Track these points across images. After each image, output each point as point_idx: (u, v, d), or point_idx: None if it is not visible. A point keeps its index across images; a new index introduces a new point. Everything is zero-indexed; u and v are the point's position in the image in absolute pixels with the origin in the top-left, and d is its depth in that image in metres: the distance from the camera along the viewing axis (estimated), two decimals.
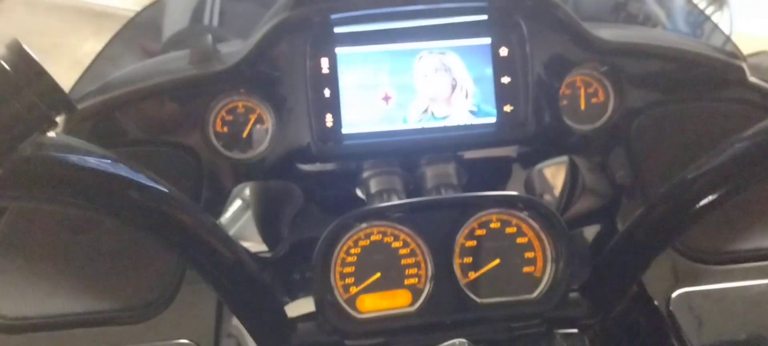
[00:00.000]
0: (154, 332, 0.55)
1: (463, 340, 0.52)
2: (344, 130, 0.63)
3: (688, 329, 0.56)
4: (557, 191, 0.87)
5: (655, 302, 0.58)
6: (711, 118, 0.66)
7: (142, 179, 0.44)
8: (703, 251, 0.60)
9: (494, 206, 0.56)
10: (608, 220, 0.68)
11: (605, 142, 0.67)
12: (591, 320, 0.58)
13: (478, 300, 0.54)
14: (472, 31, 0.64)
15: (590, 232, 0.73)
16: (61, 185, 0.41)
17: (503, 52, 0.64)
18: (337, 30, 0.62)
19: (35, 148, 0.39)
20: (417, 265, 0.54)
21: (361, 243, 0.54)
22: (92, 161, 0.42)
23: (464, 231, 0.55)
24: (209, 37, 0.64)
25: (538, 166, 0.85)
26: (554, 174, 0.88)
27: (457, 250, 0.55)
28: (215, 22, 1.12)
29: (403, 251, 0.54)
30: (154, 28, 0.84)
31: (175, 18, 0.96)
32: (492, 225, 0.56)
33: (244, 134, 0.63)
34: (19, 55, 0.36)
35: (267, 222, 0.82)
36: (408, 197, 0.64)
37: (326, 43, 0.62)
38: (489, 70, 0.64)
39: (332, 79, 0.62)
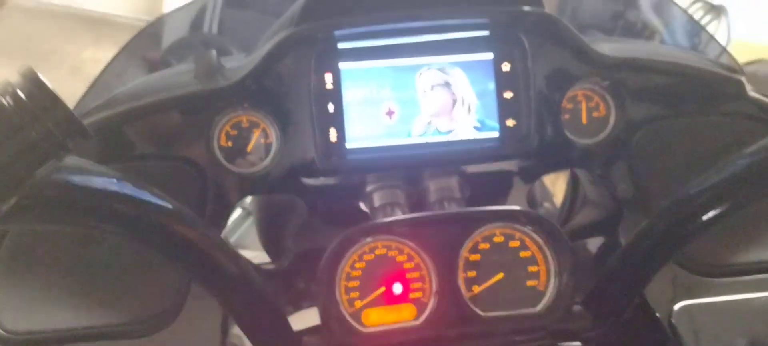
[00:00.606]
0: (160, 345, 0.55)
1: None
2: (348, 145, 0.63)
3: (690, 342, 0.56)
4: (557, 200, 0.88)
5: (657, 315, 0.58)
6: (712, 132, 0.67)
7: (154, 198, 0.45)
8: (705, 264, 0.60)
9: (498, 221, 0.57)
10: (611, 232, 0.68)
11: (607, 156, 0.67)
12: (593, 333, 0.58)
13: (482, 314, 0.55)
14: (475, 47, 0.65)
15: (593, 244, 0.74)
16: (78, 209, 0.41)
17: (505, 67, 0.64)
18: (341, 46, 0.63)
19: (51, 174, 0.40)
20: (421, 279, 0.55)
21: (366, 257, 0.55)
22: (106, 184, 0.43)
23: (468, 245, 0.56)
24: (214, 51, 0.64)
25: (541, 178, 0.86)
26: (554, 183, 0.89)
27: (460, 264, 0.55)
28: (214, 30, 1.13)
29: (407, 265, 0.55)
30: (158, 39, 0.85)
31: (175, 27, 0.96)
32: (495, 239, 0.57)
33: (249, 149, 0.64)
34: (34, 83, 0.37)
35: (270, 233, 0.82)
36: (411, 211, 0.65)
37: (330, 58, 0.63)
38: (491, 85, 0.65)
39: (336, 95, 0.63)
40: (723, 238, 0.61)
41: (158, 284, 0.57)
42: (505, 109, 0.65)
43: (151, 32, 0.72)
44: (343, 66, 0.63)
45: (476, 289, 0.55)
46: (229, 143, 0.64)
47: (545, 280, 0.56)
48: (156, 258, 0.57)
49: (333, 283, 0.54)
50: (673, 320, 0.57)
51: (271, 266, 0.80)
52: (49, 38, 3.53)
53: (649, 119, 0.67)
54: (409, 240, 0.55)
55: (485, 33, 0.65)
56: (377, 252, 0.55)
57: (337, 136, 0.63)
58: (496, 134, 0.65)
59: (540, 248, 0.56)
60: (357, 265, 0.54)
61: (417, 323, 0.54)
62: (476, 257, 0.56)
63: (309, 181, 0.65)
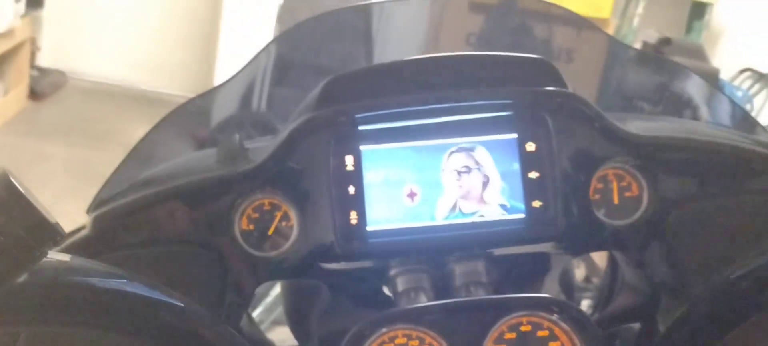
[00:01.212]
0: None
1: None
2: (369, 228, 0.62)
3: None
4: (594, 285, 0.84)
5: None
6: (752, 211, 0.63)
7: (147, 292, 0.44)
8: None
9: (524, 309, 0.55)
10: (648, 319, 0.64)
11: (641, 238, 0.64)
12: None
13: None
14: (498, 127, 0.64)
15: (631, 331, 0.70)
16: (61, 311, 0.41)
17: (530, 147, 0.63)
18: (362, 128, 0.63)
19: (29, 276, 0.39)
20: None
21: None
22: (93, 283, 0.42)
23: (493, 335, 0.54)
24: (237, 135, 0.65)
25: (574, 261, 0.83)
26: (592, 268, 0.86)
27: None
28: (263, 107, 1.15)
29: None
30: (201, 116, 0.85)
31: (224, 104, 0.99)
32: (522, 328, 0.54)
33: (270, 232, 0.63)
34: (5, 188, 0.36)
35: (297, 316, 0.81)
36: (437, 296, 0.63)
37: (351, 141, 0.62)
38: (516, 166, 0.63)
39: (357, 177, 0.62)
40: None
41: None
42: (530, 190, 0.63)
43: (190, 108, 0.73)
44: (364, 148, 0.63)
45: None
46: (251, 227, 0.63)
47: None
48: None
49: None
50: None
51: None
52: (105, 117, 3.68)
53: (685, 199, 0.64)
54: (430, 329, 0.53)
55: (509, 113, 0.64)
56: (397, 341, 0.53)
57: (358, 219, 0.62)
58: (522, 216, 0.63)
59: (570, 338, 0.53)
60: None
61: None
62: None
63: (330, 265, 0.64)
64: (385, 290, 0.66)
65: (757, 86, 2.40)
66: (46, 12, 4.02)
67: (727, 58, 2.77)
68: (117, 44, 4.28)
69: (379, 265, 0.65)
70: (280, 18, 2.88)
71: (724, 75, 2.35)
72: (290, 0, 3.40)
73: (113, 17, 4.23)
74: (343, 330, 0.55)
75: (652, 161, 0.64)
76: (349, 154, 0.62)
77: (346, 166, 0.62)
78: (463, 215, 0.63)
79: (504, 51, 0.68)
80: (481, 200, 0.63)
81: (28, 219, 0.37)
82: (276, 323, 1.12)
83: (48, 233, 0.38)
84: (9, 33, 3.32)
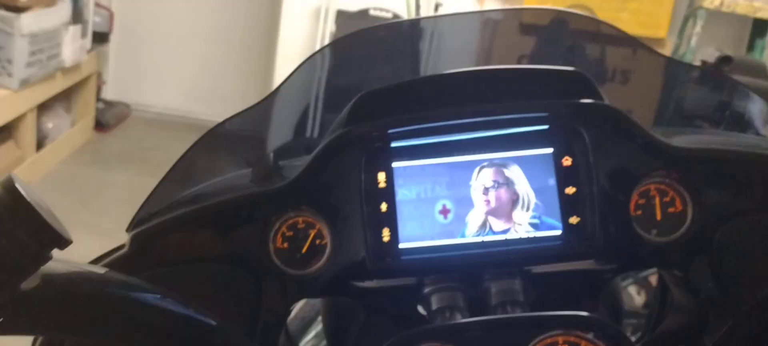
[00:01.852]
0: None
1: None
2: (401, 245, 0.61)
3: None
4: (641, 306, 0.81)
5: None
6: None
7: (168, 306, 0.45)
8: None
9: (559, 327, 0.53)
10: (696, 339, 0.61)
11: (685, 254, 0.61)
12: None
13: None
14: (533, 142, 0.62)
15: None
16: (60, 321, 0.41)
17: (566, 161, 0.61)
18: (394, 144, 0.62)
19: (40, 282, 0.40)
20: None
21: None
22: (106, 291, 0.43)
23: None
24: (271, 154, 0.65)
25: (618, 278, 0.79)
26: (640, 290, 0.82)
27: None
28: (316, 134, 1.17)
29: None
30: (237, 136, 0.86)
31: (279, 132, 1.00)
32: None
33: (304, 250, 0.63)
34: (10, 193, 0.37)
35: (335, 337, 0.81)
36: (472, 314, 0.61)
37: (383, 157, 0.62)
38: (552, 181, 0.61)
39: (389, 194, 0.61)
40: None
41: None
42: (567, 206, 0.61)
43: (225, 130, 0.74)
44: (397, 165, 0.62)
45: None
46: (285, 245, 0.63)
47: None
48: None
49: None
50: None
51: None
52: (165, 147, 3.80)
53: (730, 213, 0.61)
54: None
55: (544, 127, 0.62)
56: None
57: (390, 236, 0.61)
58: (558, 233, 0.61)
59: None
60: None
61: None
62: None
63: (363, 283, 0.63)
64: (420, 309, 0.64)
65: None
66: (111, 47, 4.20)
67: None
68: (177, 77, 4.43)
69: (413, 283, 0.64)
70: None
71: None
72: (343, 29, 3.45)
73: (174, 51, 4.39)
74: None
75: (696, 175, 0.62)
76: (381, 171, 0.62)
77: (379, 183, 0.62)
78: (497, 231, 0.61)
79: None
80: (510, 215, 0.61)
81: (31, 224, 0.38)
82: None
83: (52, 237, 0.38)
84: (76, 67, 3.48)
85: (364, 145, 0.62)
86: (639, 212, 0.62)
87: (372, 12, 3.49)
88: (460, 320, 0.58)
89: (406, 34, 0.95)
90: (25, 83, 2.95)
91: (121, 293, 0.44)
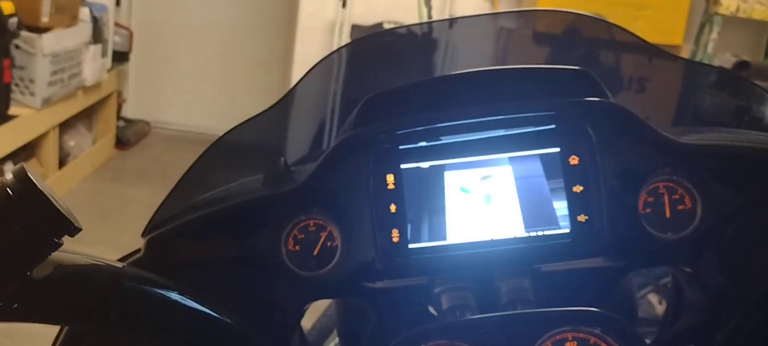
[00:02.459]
0: None
1: None
2: (411, 245, 0.62)
3: None
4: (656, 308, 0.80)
5: None
6: None
7: (177, 299, 0.46)
8: None
9: (568, 323, 0.53)
10: (709, 338, 0.61)
11: (695, 251, 0.61)
12: None
13: None
14: (540, 141, 0.62)
15: None
16: (74, 307, 0.42)
17: (573, 160, 0.62)
18: (402, 146, 0.63)
19: (52, 270, 0.42)
20: None
21: None
22: (117, 283, 0.44)
23: None
24: (282, 159, 0.66)
25: (631, 278, 0.79)
26: (660, 299, 0.82)
27: None
28: (326, 139, 1.18)
29: None
30: (248, 143, 0.87)
31: (289, 137, 1.01)
32: (568, 344, 0.52)
33: (315, 252, 0.64)
34: (22, 181, 0.39)
35: (348, 338, 0.81)
36: (482, 313, 0.61)
37: (391, 159, 0.63)
38: (560, 180, 0.62)
39: (397, 195, 0.62)
40: None
41: None
42: (575, 204, 0.61)
43: (236, 136, 0.75)
44: (405, 166, 0.63)
45: None
46: (297, 248, 0.64)
47: None
48: None
49: None
50: None
51: None
52: (185, 163, 3.81)
53: (741, 209, 0.61)
54: (472, 344, 0.52)
55: (551, 126, 0.63)
56: None
57: (399, 237, 0.62)
58: (566, 231, 0.61)
59: None
60: None
61: None
62: None
63: (373, 284, 0.64)
64: (431, 309, 0.65)
65: None
66: (131, 66, 4.27)
67: None
68: (195, 94, 4.48)
69: (423, 283, 0.64)
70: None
71: None
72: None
73: (192, 69, 4.45)
74: None
75: (704, 171, 0.62)
76: (390, 173, 0.63)
77: (388, 184, 0.63)
78: (503, 231, 0.62)
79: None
80: (518, 216, 0.62)
81: (43, 211, 0.39)
82: None
83: (63, 224, 0.40)
84: (97, 86, 3.54)
85: (372, 148, 0.63)
86: (648, 210, 0.62)
87: (386, 26, 3.52)
88: (470, 317, 0.58)
89: (418, 40, 0.96)
90: (47, 102, 3.01)
91: (133, 284, 0.45)
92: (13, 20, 2.60)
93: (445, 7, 3.43)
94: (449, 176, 0.63)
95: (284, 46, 4.14)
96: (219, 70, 4.47)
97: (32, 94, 2.93)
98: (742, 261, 0.59)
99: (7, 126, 2.74)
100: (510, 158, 0.63)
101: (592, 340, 0.52)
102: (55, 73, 3.03)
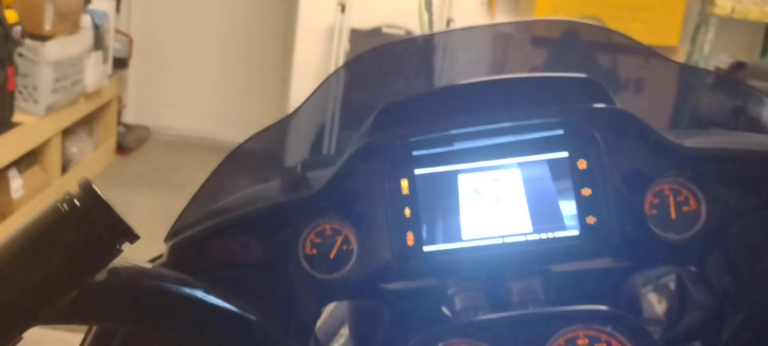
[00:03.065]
0: None
1: None
2: (425, 248, 0.64)
3: None
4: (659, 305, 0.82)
5: None
6: None
7: (215, 302, 0.48)
8: None
9: (580, 322, 0.55)
10: (714, 337, 0.63)
11: (700, 251, 0.64)
12: None
13: None
14: (550, 146, 0.65)
15: None
16: (132, 311, 0.45)
17: (581, 164, 0.64)
18: (416, 153, 0.65)
19: (107, 275, 0.45)
20: None
21: None
22: (163, 286, 0.47)
23: None
24: (299, 165, 0.68)
25: (637, 279, 0.82)
26: (660, 298, 0.84)
27: None
28: (333, 151, 1.20)
29: None
30: (267, 150, 0.90)
31: (303, 147, 1.03)
32: (579, 342, 0.54)
33: (332, 255, 0.66)
34: (88, 192, 0.42)
35: (361, 339, 0.83)
36: (494, 313, 0.64)
37: (405, 165, 0.65)
38: (568, 184, 0.64)
39: (412, 200, 0.64)
40: None
41: None
42: (584, 207, 0.64)
43: (255, 144, 0.78)
44: (419, 171, 0.65)
45: None
46: (314, 251, 0.66)
47: None
48: None
49: None
50: None
51: None
52: (185, 168, 3.86)
53: (743, 210, 0.63)
54: (484, 343, 0.54)
55: (559, 132, 0.65)
56: None
57: (414, 240, 0.64)
58: (575, 233, 0.64)
59: None
60: None
61: None
62: None
63: (388, 286, 0.66)
64: (444, 309, 0.67)
65: None
66: (131, 72, 4.29)
67: None
68: (195, 99, 4.50)
69: (437, 285, 0.67)
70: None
71: None
72: (356, 47, 3.50)
73: (191, 74, 4.47)
74: None
75: (708, 173, 0.64)
76: (404, 178, 0.65)
77: (402, 190, 0.65)
78: (517, 233, 0.64)
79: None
80: (529, 219, 0.64)
81: (107, 220, 0.43)
82: None
83: (125, 232, 0.43)
84: (98, 92, 3.56)
85: (387, 154, 0.65)
86: (654, 212, 0.65)
87: (385, 30, 3.55)
88: (483, 317, 0.60)
89: (419, 50, 0.98)
90: (50, 109, 3.02)
91: (175, 287, 0.48)
92: (17, 29, 2.61)
93: (443, 12, 3.45)
94: (461, 181, 0.65)
95: (283, 51, 4.16)
96: (218, 75, 4.48)
97: (36, 101, 2.94)
98: (746, 260, 0.61)
99: (12, 133, 2.76)
100: (520, 163, 0.65)
101: (604, 338, 0.54)
102: (57, 80, 3.04)
